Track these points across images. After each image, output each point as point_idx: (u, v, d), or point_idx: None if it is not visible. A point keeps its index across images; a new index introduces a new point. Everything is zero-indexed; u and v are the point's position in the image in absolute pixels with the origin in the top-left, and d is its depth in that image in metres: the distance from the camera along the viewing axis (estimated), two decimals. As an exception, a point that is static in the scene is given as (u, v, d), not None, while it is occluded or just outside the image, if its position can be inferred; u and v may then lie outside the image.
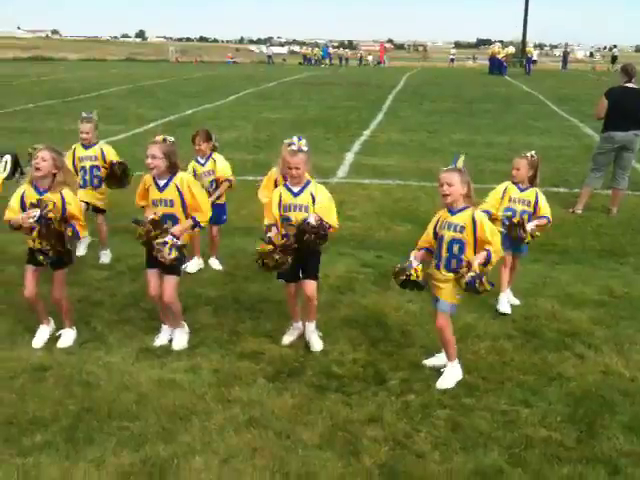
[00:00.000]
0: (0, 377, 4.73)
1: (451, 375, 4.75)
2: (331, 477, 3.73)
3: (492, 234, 4.57)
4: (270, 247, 4.95)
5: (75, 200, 5.13)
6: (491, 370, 4.91)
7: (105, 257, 7.23)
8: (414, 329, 5.60)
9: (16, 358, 4.99)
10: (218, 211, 6.71)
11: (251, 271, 6.83)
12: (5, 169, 6.52)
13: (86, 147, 6.98)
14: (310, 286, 5.23)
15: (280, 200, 5.11)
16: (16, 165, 6.75)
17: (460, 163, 4.59)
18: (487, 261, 4.55)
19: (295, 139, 5.03)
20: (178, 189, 5.08)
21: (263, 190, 5.76)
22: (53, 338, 5.31)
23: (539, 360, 5.10)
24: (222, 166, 6.85)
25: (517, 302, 6.18)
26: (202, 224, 5.27)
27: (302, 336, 5.41)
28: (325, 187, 5.22)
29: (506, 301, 6.04)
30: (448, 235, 4.63)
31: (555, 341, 5.42)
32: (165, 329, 5.37)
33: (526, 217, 5.83)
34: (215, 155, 6.87)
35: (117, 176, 6.88)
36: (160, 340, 5.31)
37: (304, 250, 5.01)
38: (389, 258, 7.34)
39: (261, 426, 4.18)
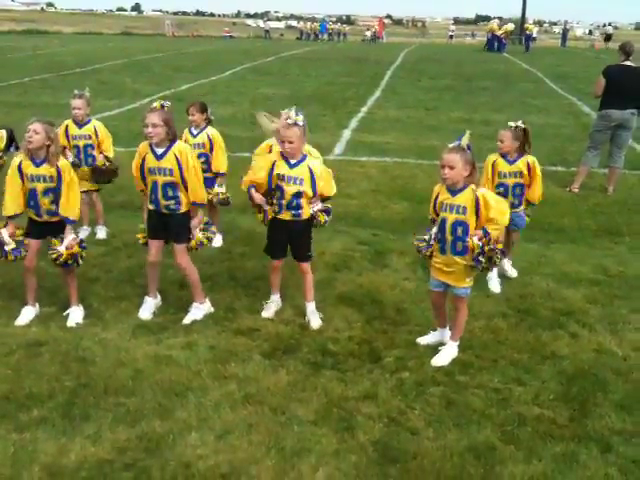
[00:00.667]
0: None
1: (448, 354, 4.77)
2: (326, 453, 3.76)
3: (497, 211, 4.50)
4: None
5: (70, 170, 5.11)
6: (485, 348, 4.94)
7: (101, 232, 7.23)
8: (409, 307, 5.61)
9: (12, 334, 5.00)
10: (208, 184, 6.71)
11: (247, 248, 6.84)
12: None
13: (79, 125, 6.86)
14: (304, 266, 5.35)
15: (272, 168, 5.07)
16: (11, 140, 6.72)
17: (465, 141, 4.46)
18: (485, 236, 4.49)
19: (292, 112, 4.95)
20: (177, 159, 5.01)
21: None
22: (49, 315, 5.33)
23: (533, 339, 5.13)
24: (218, 141, 6.77)
25: (515, 274, 6.20)
26: (201, 203, 5.25)
27: (280, 310, 5.49)
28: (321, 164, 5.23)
29: (496, 279, 6.04)
30: (451, 218, 4.55)
31: (549, 320, 5.45)
32: (149, 301, 5.38)
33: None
34: (210, 130, 6.80)
35: (104, 175, 6.88)
36: (143, 312, 5.32)
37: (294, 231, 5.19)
38: (385, 236, 7.35)
39: (257, 402, 4.21)
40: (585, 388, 4.44)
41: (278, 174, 5.04)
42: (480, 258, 4.49)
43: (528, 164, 5.88)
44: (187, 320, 5.26)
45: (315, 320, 5.32)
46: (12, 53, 32.55)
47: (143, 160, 5.07)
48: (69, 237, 5.07)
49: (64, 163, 5.09)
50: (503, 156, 5.89)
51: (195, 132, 6.71)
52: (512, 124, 5.83)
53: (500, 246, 4.63)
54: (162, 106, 4.99)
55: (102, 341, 4.93)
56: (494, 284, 6.00)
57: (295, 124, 4.91)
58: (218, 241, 7.03)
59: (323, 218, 5.23)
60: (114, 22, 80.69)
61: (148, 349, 4.83)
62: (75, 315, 5.28)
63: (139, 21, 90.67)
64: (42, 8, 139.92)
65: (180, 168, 5.01)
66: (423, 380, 4.50)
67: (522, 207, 6.05)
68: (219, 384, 4.41)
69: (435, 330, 5.02)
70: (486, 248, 4.48)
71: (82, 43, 45.11)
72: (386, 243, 7.07)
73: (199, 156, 6.61)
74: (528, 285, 6.13)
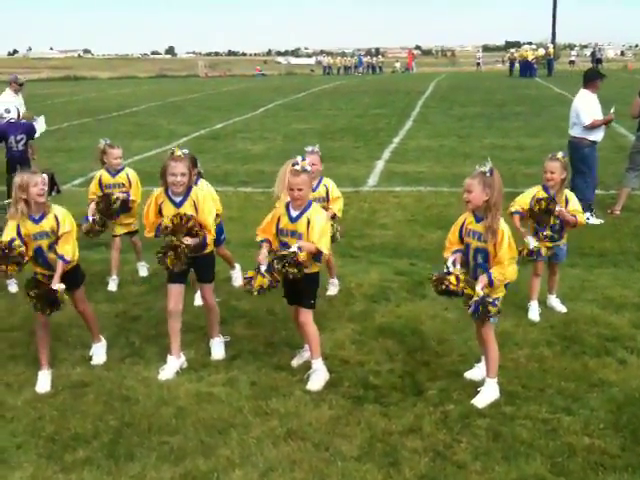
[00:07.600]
0: (42, 394, 4.81)
1: (487, 394, 4.55)
2: (371, 489, 3.70)
3: (505, 256, 4.39)
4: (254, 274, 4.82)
5: (68, 217, 4.96)
6: (531, 378, 4.84)
7: (143, 270, 7.31)
8: (451, 337, 5.54)
9: (56, 375, 5.06)
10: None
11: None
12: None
13: (112, 174, 6.90)
14: (303, 313, 4.95)
15: (278, 222, 4.91)
16: (52, 183, 6.88)
17: (484, 167, 4.41)
18: (490, 284, 4.42)
19: (299, 158, 4.85)
20: (195, 205, 5.00)
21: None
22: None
23: (580, 366, 5.00)
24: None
25: (564, 309, 6.02)
26: (209, 240, 5.08)
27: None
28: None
29: (536, 309, 5.93)
30: (474, 244, 4.56)
31: (595, 346, 5.31)
32: (172, 359, 5.10)
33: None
34: (201, 184, 6.04)
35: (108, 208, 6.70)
36: (166, 373, 5.01)
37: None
38: (423, 265, 7.30)
39: (299, 438, 4.17)
40: (636, 415, 4.31)
41: (282, 229, 4.86)
42: (479, 307, 4.39)
43: (566, 198, 5.74)
44: (219, 356, 5.28)
45: (314, 380, 4.84)
46: (51, 99, 33.53)
47: (160, 207, 5.04)
48: (57, 278, 4.82)
49: (62, 212, 4.96)
50: (545, 189, 5.71)
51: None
52: (558, 154, 5.68)
53: (501, 294, 4.54)
54: (184, 154, 4.93)
55: (145, 380, 4.96)
56: (534, 313, 5.90)
57: (304, 170, 4.79)
58: (239, 278, 6.77)
59: (292, 270, 4.67)
60: (149, 65, 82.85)
61: (190, 387, 4.84)
62: (99, 353, 5.34)
63: (173, 63, 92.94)
64: (79, 55, 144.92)
65: (196, 211, 5.00)
66: (468, 412, 4.41)
67: (563, 240, 5.95)
68: (261, 420, 4.39)
69: (479, 362, 4.91)
70: (487, 299, 4.39)
71: (118, 87, 46.34)
72: (424, 273, 7.01)
73: None
74: (572, 311, 6.01)
